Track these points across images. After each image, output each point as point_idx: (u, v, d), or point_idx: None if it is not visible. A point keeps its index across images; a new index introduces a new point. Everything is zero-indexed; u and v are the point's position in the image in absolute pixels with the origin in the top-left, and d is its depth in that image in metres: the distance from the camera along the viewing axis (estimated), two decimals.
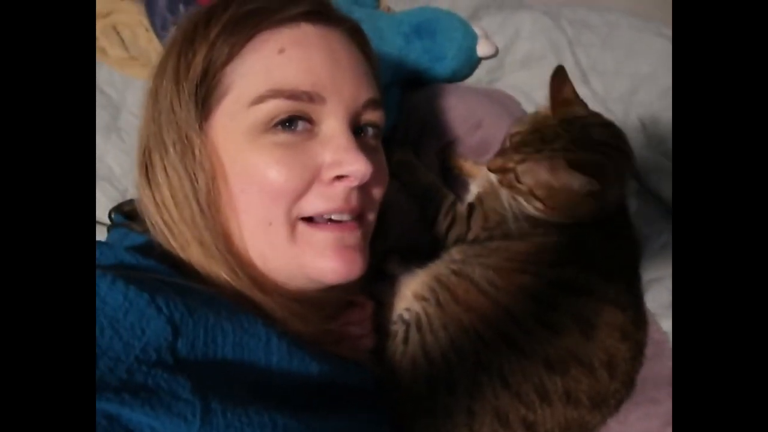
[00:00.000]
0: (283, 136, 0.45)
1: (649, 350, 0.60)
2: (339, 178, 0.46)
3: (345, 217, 0.48)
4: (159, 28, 0.87)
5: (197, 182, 0.45)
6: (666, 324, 0.64)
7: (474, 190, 0.69)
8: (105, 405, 0.33)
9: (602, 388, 0.54)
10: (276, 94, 0.44)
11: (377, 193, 0.52)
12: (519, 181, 0.59)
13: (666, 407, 0.57)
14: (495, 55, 0.84)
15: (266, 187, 0.45)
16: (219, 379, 0.39)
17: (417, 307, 0.59)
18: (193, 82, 0.46)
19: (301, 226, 0.47)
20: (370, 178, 0.46)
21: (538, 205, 0.60)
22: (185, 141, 0.46)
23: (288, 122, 0.45)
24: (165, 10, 0.87)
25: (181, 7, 0.87)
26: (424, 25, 0.80)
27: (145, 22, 0.89)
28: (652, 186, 0.73)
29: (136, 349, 0.36)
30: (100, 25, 0.90)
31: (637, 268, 0.64)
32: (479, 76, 0.87)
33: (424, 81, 0.83)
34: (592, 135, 0.59)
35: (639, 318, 0.60)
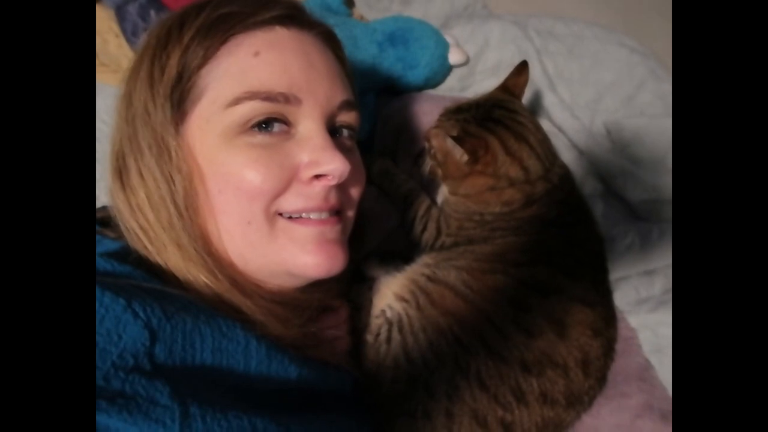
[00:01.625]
0: (259, 138, 0.46)
1: (618, 346, 0.63)
2: (317, 177, 0.47)
3: (324, 215, 0.49)
4: (129, 34, 0.86)
5: (174, 184, 0.45)
6: (634, 320, 0.67)
7: (440, 196, 0.70)
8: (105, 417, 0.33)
9: (577, 387, 0.56)
10: (252, 96, 0.45)
11: (355, 191, 0.53)
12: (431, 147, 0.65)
13: (636, 400, 0.60)
14: (466, 63, 0.86)
15: (243, 187, 0.45)
16: (198, 383, 0.39)
17: (398, 307, 0.61)
18: (167, 85, 0.46)
19: (282, 222, 0.47)
20: (348, 177, 0.47)
21: (439, 171, 0.65)
22: (161, 143, 0.46)
23: (264, 124, 0.46)
24: (136, 16, 0.86)
25: (152, 13, 0.86)
26: (398, 34, 0.81)
27: (115, 28, 0.88)
28: (617, 189, 0.76)
29: (113, 355, 0.35)
30: None
31: (602, 264, 0.66)
32: (451, 84, 0.88)
33: (397, 88, 0.84)
34: (492, 114, 0.64)
35: (608, 314, 0.62)
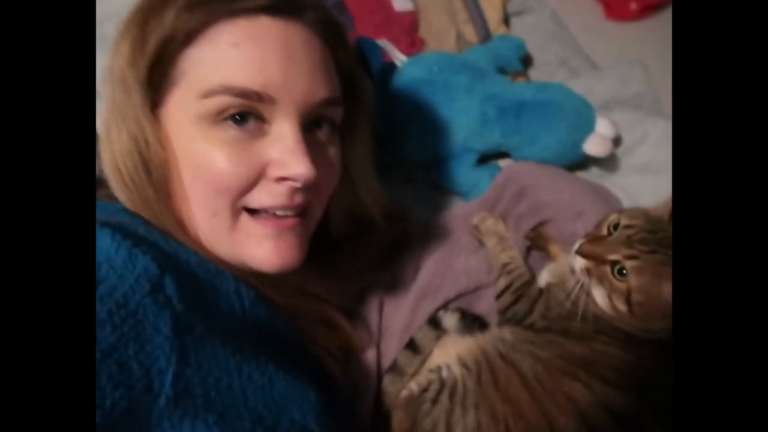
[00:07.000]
0: (231, 132, 0.45)
1: None
2: (284, 178, 0.47)
3: (289, 213, 0.49)
4: None
5: (150, 170, 0.47)
6: None
7: (545, 276, 0.65)
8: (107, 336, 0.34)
9: None
10: (226, 90, 0.44)
11: (325, 188, 0.53)
12: (618, 277, 0.53)
13: None
14: (607, 157, 0.80)
15: (212, 180, 0.46)
16: (196, 320, 0.40)
17: (457, 371, 0.56)
18: (146, 67, 0.45)
19: (244, 217, 0.48)
20: (317, 176, 0.47)
21: (622, 306, 0.53)
22: (138, 128, 0.46)
23: (239, 116, 0.45)
24: None
25: None
26: (530, 105, 0.78)
27: None
28: None
29: (131, 279, 0.37)
30: None
31: None
32: (588, 166, 0.84)
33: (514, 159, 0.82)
34: None
35: None
